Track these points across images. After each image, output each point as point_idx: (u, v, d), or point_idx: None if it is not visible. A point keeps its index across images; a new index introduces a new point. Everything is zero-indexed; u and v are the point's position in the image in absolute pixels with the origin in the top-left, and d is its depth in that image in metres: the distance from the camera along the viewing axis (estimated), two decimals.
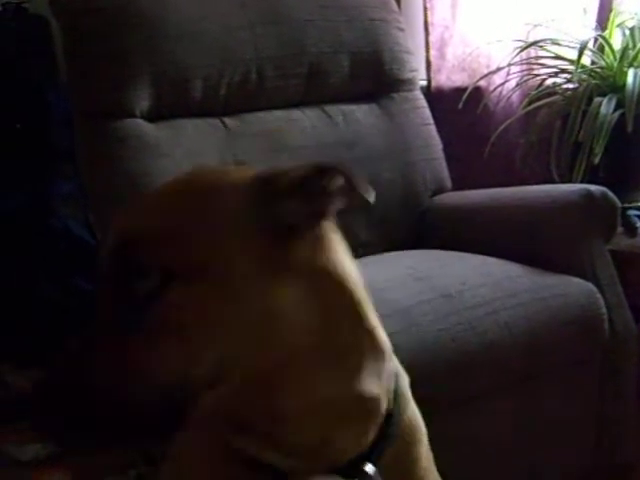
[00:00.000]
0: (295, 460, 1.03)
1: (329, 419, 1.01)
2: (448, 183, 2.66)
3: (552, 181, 2.79)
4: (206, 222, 0.94)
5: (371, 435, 1.05)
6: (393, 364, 1.11)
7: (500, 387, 1.99)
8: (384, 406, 1.06)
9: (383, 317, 1.79)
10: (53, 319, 2.81)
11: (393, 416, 1.07)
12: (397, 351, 1.76)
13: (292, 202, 0.95)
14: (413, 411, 1.14)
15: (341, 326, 1.00)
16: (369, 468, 1.05)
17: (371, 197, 0.96)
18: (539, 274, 2.12)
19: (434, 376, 1.83)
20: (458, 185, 2.68)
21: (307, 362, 0.97)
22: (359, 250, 2.26)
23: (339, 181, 0.95)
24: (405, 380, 1.16)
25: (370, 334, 1.04)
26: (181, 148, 2.25)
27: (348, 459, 1.04)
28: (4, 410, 2.79)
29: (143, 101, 2.25)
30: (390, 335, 1.77)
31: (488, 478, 2.00)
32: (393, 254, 2.32)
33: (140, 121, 2.25)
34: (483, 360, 1.91)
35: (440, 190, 2.63)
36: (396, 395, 1.09)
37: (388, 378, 1.07)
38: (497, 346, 1.93)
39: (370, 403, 1.03)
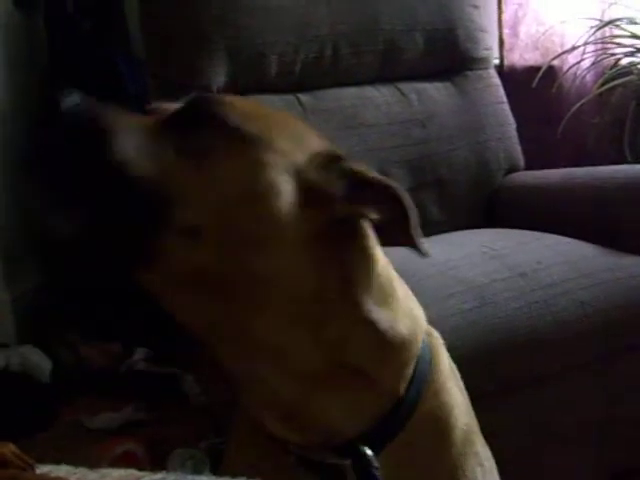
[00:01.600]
0: (291, 429, 1.04)
1: (308, 380, 1.01)
2: (521, 162, 2.65)
3: (625, 162, 2.76)
4: (280, 156, 0.97)
5: (369, 413, 1.04)
6: (421, 350, 1.09)
7: (574, 367, 1.97)
8: (388, 386, 1.05)
9: (458, 294, 1.83)
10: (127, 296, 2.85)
11: (405, 401, 1.06)
12: (472, 328, 1.79)
13: (355, 200, 0.99)
14: (445, 402, 1.11)
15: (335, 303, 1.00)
16: (366, 449, 1.03)
17: (423, 249, 0.99)
18: (614, 254, 2.10)
19: (509, 354, 1.83)
20: (531, 165, 2.66)
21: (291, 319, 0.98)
22: (431, 228, 2.28)
23: (399, 212, 0.98)
24: (443, 367, 1.14)
25: (369, 322, 1.03)
26: None
27: (347, 438, 1.04)
28: (76, 381, 2.84)
29: (219, 76, 2.27)
30: (465, 312, 1.80)
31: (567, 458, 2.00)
32: (467, 232, 2.31)
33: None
34: (558, 339, 1.90)
35: (513, 169, 2.62)
36: (414, 381, 1.07)
37: (403, 364, 1.06)
38: (572, 326, 1.92)
39: (356, 377, 1.02)
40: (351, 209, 0.99)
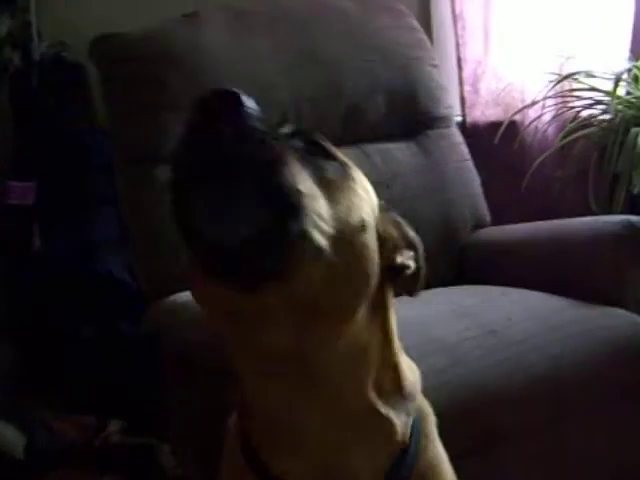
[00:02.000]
0: (309, 472, 1.04)
1: (349, 425, 1.02)
2: (487, 218, 2.66)
3: (590, 213, 2.78)
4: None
5: (385, 461, 1.05)
6: (418, 404, 1.12)
7: (546, 422, 1.97)
8: (399, 435, 1.06)
9: (430, 353, 1.82)
10: (97, 363, 2.83)
11: (409, 451, 1.07)
12: (446, 388, 1.78)
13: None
14: (436, 454, 1.14)
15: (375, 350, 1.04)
16: None
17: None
18: (583, 306, 2.12)
19: (483, 412, 1.83)
20: (497, 220, 2.68)
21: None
22: None
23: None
24: (432, 422, 1.16)
25: (395, 368, 1.08)
26: None
27: None
28: (50, 456, 2.80)
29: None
30: (438, 372, 1.80)
31: None
32: (436, 290, 2.31)
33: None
34: (531, 395, 1.90)
35: (479, 225, 2.63)
36: (415, 432, 1.09)
37: (407, 413, 1.08)
38: (545, 380, 1.92)
39: (384, 423, 1.05)
40: (403, 260, 1.05)
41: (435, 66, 2.70)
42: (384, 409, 1.04)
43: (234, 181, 0.87)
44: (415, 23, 2.74)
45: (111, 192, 2.52)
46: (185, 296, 2.07)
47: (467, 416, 1.81)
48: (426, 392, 1.67)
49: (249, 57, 2.41)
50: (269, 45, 2.46)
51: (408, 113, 2.61)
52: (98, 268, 2.86)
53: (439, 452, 1.15)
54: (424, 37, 2.74)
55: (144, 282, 2.32)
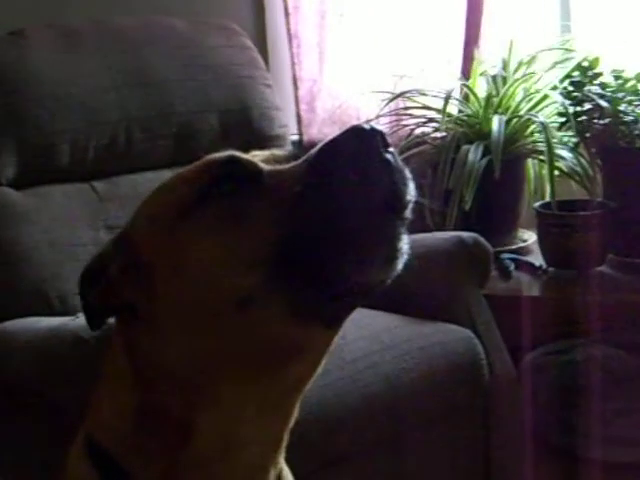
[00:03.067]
0: None
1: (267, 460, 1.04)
2: None
3: (428, 229, 2.82)
4: None
5: None
6: None
7: (384, 439, 1.98)
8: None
9: None
10: None
11: None
12: None
13: None
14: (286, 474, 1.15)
15: None
16: None
17: None
18: (416, 323, 2.13)
19: (318, 433, 1.82)
20: None
21: None
22: None
23: None
24: None
25: None
26: (50, 215, 2.21)
27: None
28: None
29: (8, 168, 2.21)
30: None
31: None
32: None
33: (6, 189, 2.21)
34: (366, 414, 1.91)
35: None
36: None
37: None
38: (379, 399, 1.93)
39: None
40: None
41: (269, 85, 2.69)
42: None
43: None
44: (248, 42, 2.73)
45: None
46: (15, 325, 2.00)
47: (304, 438, 1.78)
48: None
49: (77, 76, 2.35)
50: (98, 64, 2.40)
51: (242, 133, 2.59)
52: None
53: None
54: (257, 56, 2.73)
55: None
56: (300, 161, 0.95)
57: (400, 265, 0.93)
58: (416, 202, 0.95)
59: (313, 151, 0.93)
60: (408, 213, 0.93)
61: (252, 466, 1.02)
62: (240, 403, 0.98)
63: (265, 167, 0.98)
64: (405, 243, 0.93)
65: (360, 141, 0.90)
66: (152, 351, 0.99)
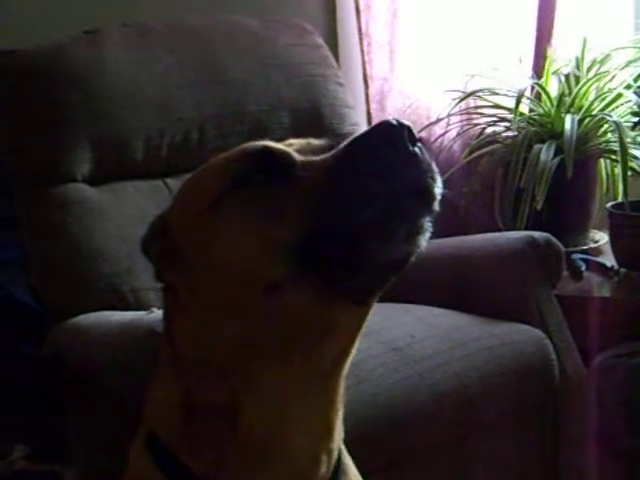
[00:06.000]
0: None
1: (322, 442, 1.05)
2: None
3: (497, 229, 2.81)
4: None
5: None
6: None
7: (452, 438, 1.98)
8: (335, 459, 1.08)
9: None
10: (4, 388, 2.76)
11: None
12: (350, 407, 1.76)
13: None
14: (355, 472, 1.16)
15: None
16: None
17: None
18: (487, 323, 2.13)
19: (385, 431, 1.82)
20: None
21: None
22: None
23: None
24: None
25: None
26: (123, 211, 2.24)
27: None
28: None
29: (84, 165, 2.24)
30: None
31: None
32: None
33: (82, 185, 2.24)
34: (435, 412, 1.90)
35: None
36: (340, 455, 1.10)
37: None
38: (449, 397, 1.92)
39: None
40: None
41: (340, 84, 2.70)
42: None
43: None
44: (320, 41, 2.74)
45: (12, 212, 2.46)
46: (89, 318, 2.03)
47: (373, 435, 1.80)
48: None
49: (151, 74, 2.38)
50: (172, 62, 2.43)
51: (313, 131, 2.59)
52: None
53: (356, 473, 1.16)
54: (329, 54, 2.74)
55: (47, 304, 2.27)
56: (332, 152, 0.98)
57: (423, 241, 0.95)
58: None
59: (344, 143, 0.97)
60: (436, 205, 0.96)
61: (302, 453, 1.03)
62: (281, 386, 1.00)
63: (298, 158, 1.01)
64: (428, 222, 0.95)
65: (387, 134, 0.93)
66: (191, 335, 1.02)
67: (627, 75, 2.81)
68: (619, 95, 2.76)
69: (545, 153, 2.63)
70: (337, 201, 0.93)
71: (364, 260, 0.94)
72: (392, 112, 3.13)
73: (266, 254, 0.95)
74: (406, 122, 0.94)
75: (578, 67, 2.91)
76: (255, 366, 1.00)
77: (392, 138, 0.93)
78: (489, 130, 2.97)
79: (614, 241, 2.69)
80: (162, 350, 1.08)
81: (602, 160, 2.89)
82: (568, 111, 2.77)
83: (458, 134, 3.03)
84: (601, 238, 2.88)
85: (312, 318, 0.97)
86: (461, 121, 3.04)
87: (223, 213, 0.99)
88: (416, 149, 0.94)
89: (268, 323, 0.97)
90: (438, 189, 0.95)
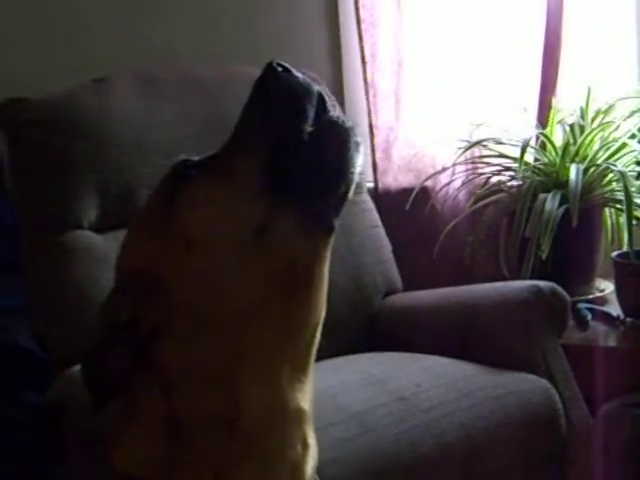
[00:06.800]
0: None
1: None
2: (399, 284, 2.66)
3: (502, 278, 2.80)
4: None
5: None
6: None
7: None
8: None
9: (338, 423, 1.81)
10: (4, 436, 2.74)
11: None
12: (354, 458, 1.76)
13: None
14: None
15: None
16: None
17: None
18: (493, 372, 2.12)
19: None
20: (409, 285, 2.68)
21: None
22: None
23: None
24: None
25: None
26: None
27: None
28: None
29: (90, 212, 2.25)
30: (346, 441, 1.78)
31: None
32: (345, 358, 2.29)
33: (88, 232, 2.25)
34: (441, 463, 1.89)
35: (391, 292, 2.63)
36: None
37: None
38: (455, 448, 1.91)
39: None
40: None
41: None
42: None
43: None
44: (326, 90, 2.75)
45: (19, 258, 2.47)
46: None
47: None
48: (333, 463, 1.66)
49: (158, 123, 2.40)
50: (178, 111, 2.45)
51: None
52: (2, 337, 2.79)
53: None
54: (335, 104, 2.76)
55: (52, 352, 2.27)
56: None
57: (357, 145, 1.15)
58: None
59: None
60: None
61: (296, 440, 1.11)
62: (275, 373, 1.08)
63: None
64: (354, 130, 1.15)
65: (266, 71, 1.19)
66: (181, 356, 1.08)
67: (631, 125, 2.81)
68: (624, 145, 2.77)
69: (550, 202, 2.63)
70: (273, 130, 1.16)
71: (317, 168, 1.11)
72: (397, 161, 3.14)
73: (242, 204, 1.08)
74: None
75: (583, 117, 2.92)
76: (252, 341, 1.07)
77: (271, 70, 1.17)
78: (494, 179, 2.97)
79: (619, 290, 2.68)
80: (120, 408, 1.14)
81: (607, 209, 2.88)
82: (573, 160, 2.78)
83: (463, 183, 3.03)
84: (606, 287, 2.87)
85: (298, 252, 1.08)
86: (466, 170, 3.04)
87: (186, 198, 1.12)
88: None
89: (261, 267, 1.07)
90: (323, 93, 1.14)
